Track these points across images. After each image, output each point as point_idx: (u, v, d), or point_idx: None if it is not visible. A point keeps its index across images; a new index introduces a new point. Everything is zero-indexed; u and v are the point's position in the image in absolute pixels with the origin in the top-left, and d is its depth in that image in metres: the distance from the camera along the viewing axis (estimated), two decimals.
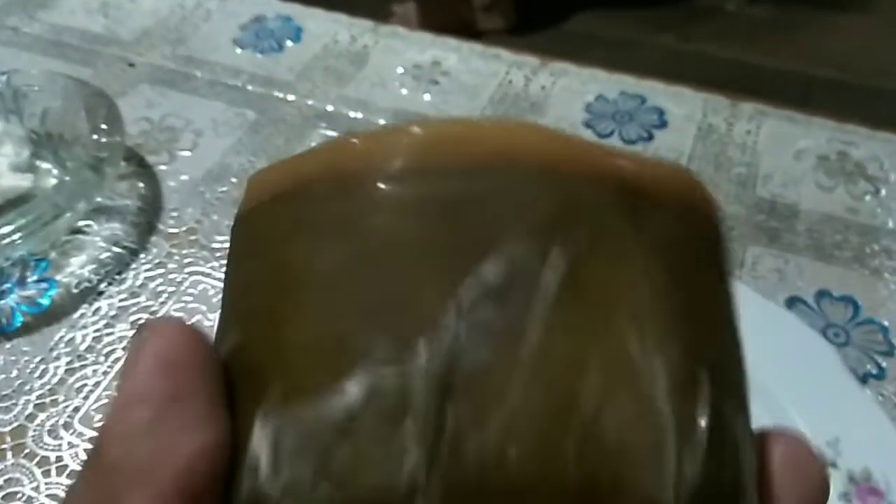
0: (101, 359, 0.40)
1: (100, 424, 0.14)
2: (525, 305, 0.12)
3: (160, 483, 0.12)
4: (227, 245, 0.46)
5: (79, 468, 0.13)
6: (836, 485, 0.33)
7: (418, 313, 0.12)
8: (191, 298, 0.42)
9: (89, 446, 0.14)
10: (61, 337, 0.41)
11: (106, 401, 0.38)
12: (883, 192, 0.48)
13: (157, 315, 0.41)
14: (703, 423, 0.12)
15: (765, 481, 0.14)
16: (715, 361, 0.13)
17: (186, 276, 0.43)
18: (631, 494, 0.12)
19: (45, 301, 0.42)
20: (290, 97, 0.55)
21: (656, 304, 0.13)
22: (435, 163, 0.13)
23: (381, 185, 0.13)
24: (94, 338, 0.41)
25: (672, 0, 1.77)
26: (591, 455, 0.12)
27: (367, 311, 0.12)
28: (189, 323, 0.14)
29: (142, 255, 0.44)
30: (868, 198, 0.48)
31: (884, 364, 0.39)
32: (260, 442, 0.12)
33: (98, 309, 0.42)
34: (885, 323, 0.41)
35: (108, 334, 0.41)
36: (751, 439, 0.14)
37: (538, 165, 0.13)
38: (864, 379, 0.38)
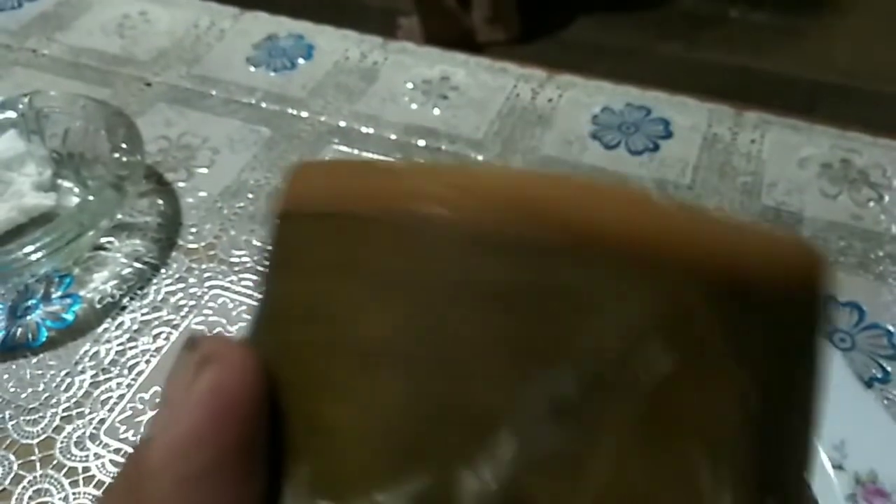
0: (125, 372, 0.41)
1: (148, 452, 0.12)
2: (596, 425, 0.11)
3: None
4: (244, 259, 0.47)
5: (115, 494, 0.12)
6: (843, 486, 0.34)
7: (474, 420, 0.11)
8: (211, 312, 0.43)
9: (126, 467, 0.13)
10: (86, 351, 0.42)
11: (130, 413, 0.39)
12: (886, 198, 0.49)
13: (179, 328, 0.42)
14: None
15: None
16: (785, 491, 0.12)
17: (206, 290, 0.45)
18: None
19: (69, 316, 0.44)
20: (304, 114, 0.56)
21: (742, 433, 0.12)
22: (511, 234, 0.11)
23: (447, 251, 0.12)
24: (117, 351, 0.42)
25: (675, 7, 1.78)
26: None
27: (414, 405, 0.11)
28: (247, 351, 0.13)
29: (163, 271, 0.46)
30: (872, 204, 0.49)
31: (889, 368, 0.40)
32: None
33: (121, 323, 0.43)
34: (890, 328, 0.42)
35: (131, 348, 0.42)
36: None
37: (628, 250, 0.11)
38: (869, 383, 0.39)
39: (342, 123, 0.55)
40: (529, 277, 0.11)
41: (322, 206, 0.13)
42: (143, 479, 0.12)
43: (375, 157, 0.53)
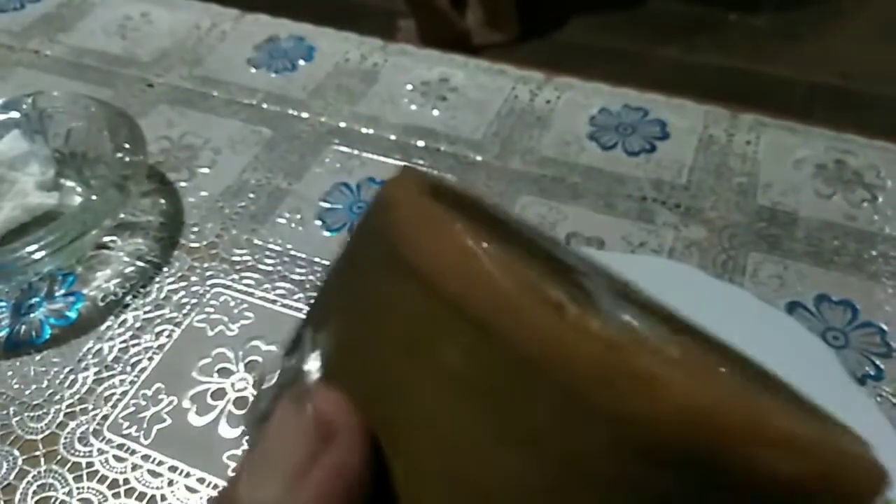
0: (128, 368, 0.41)
1: None
2: None
3: None
4: (245, 258, 0.48)
5: None
6: None
7: None
8: (213, 310, 0.44)
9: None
10: (89, 348, 0.42)
11: (133, 409, 0.40)
12: (880, 199, 0.50)
13: (181, 326, 0.43)
14: None
15: None
16: None
17: (208, 288, 0.45)
18: None
19: (72, 314, 0.44)
20: (304, 115, 0.57)
21: None
22: (679, 450, 0.11)
23: (605, 440, 0.11)
24: (120, 349, 0.42)
25: (672, 10, 1.79)
26: None
27: None
28: (365, 425, 0.12)
29: (165, 269, 0.46)
30: (865, 205, 0.49)
31: (882, 365, 0.40)
32: None
33: (124, 321, 0.44)
34: (883, 326, 0.42)
35: (134, 345, 0.42)
36: None
37: (789, 488, 0.11)
38: (862, 380, 0.40)
39: (342, 124, 0.56)
40: (678, 488, 0.11)
41: (466, 302, 0.12)
42: None
43: (375, 157, 0.53)
